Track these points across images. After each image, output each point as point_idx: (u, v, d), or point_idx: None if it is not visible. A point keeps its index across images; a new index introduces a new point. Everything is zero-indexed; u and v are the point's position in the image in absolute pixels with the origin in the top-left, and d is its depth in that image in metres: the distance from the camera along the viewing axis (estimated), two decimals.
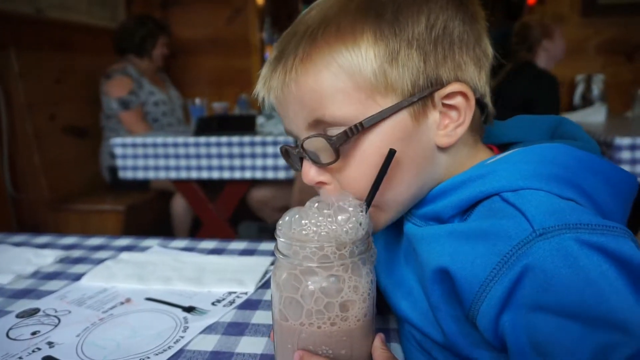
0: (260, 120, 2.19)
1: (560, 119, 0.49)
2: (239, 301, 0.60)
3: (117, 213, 2.18)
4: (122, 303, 0.60)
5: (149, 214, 2.39)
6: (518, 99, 2.07)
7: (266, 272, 0.67)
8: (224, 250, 0.77)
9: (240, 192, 2.10)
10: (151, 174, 1.99)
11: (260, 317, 0.56)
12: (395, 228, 0.48)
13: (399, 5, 0.40)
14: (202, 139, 1.94)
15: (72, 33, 2.47)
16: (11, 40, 2.08)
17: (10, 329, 0.55)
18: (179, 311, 0.58)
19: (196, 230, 2.38)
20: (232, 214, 2.13)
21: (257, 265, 0.69)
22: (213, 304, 0.59)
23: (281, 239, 0.38)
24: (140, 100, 2.34)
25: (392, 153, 0.39)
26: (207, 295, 0.62)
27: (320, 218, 0.38)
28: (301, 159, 0.45)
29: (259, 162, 1.93)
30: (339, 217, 0.38)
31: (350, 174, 0.42)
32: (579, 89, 2.88)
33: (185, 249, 0.79)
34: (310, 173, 0.44)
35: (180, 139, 1.94)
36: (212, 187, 2.20)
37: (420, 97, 0.40)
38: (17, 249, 0.79)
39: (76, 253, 0.78)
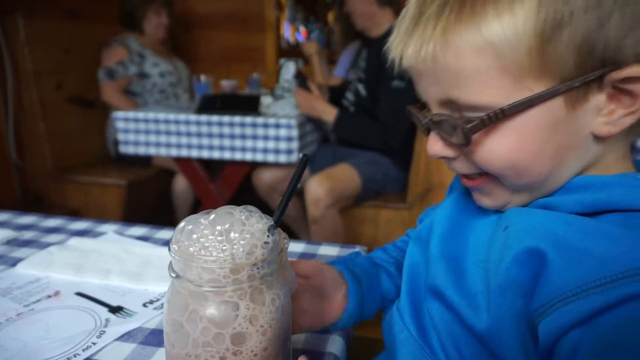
0: (267, 100, 2.12)
1: None
2: None
3: (118, 187, 2.16)
4: (49, 296, 0.56)
5: (151, 190, 2.37)
6: None
7: None
8: None
9: (241, 174, 2.05)
10: (152, 150, 1.96)
11: None
12: (471, 197, 0.43)
13: None
14: (204, 118, 1.89)
15: (82, 1, 2.43)
16: (19, 6, 2.06)
17: None
18: (104, 311, 0.53)
19: (197, 210, 2.35)
20: (237, 198, 2.09)
21: None
22: (144, 305, 0.54)
23: (171, 253, 0.32)
24: (128, 74, 2.28)
25: (304, 160, 0.32)
26: (142, 293, 0.57)
27: (210, 236, 0.31)
28: (428, 129, 0.40)
29: (260, 144, 1.87)
30: (234, 235, 0.31)
31: (483, 155, 0.37)
32: None
33: (142, 237, 0.74)
34: (436, 147, 0.39)
35: (182, 116, 1.90)
36: (214, 167, 2.16)
37: (585, 81, 0.33)
38: None
39: (27, 234, 0.74)
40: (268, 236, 0.32)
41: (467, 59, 0.34)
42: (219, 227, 0.31)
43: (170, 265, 0.33)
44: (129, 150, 1.97)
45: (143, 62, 2.31)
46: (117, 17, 2.37)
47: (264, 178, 1.93)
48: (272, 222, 0.32)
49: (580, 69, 0.32)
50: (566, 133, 0.35)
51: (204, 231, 0.31)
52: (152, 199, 2.37)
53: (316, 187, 1.75)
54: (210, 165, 2.12)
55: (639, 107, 0.33)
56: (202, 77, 2.17)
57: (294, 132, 1.84)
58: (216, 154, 1.91)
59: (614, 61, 0.32)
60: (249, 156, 1.89)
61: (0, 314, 0.52)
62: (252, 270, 0.31)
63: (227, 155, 1.90)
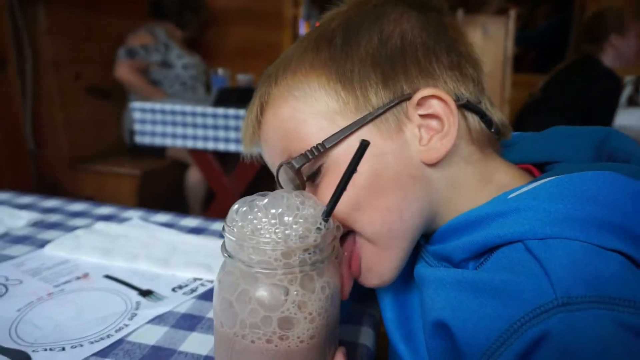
0: None
1: (608, 131, 0.41)
2: (201, 290, 0.54)
3: (132, 177, 2.17)
4: (78, 278, 0.56)
5: (164, 182, 2.38)
6: (572, 96, 1.84)
7: None
8: (204, 230, 0.72)
9: (255, 167, 2.05)
10: (168, 141, 1.97)
11: None
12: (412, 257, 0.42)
13: (348, 29, 0.39)
14: (221, 110, 1.89)
15: None
16: None
17: None
18: (134, 294, 0.53)
19: (209, 204, 2.36)
20: (251, 190, 2.09)
21: None
22: (173, 289, 0.54)
23: (225, 233, 0.32)
24: (151, 59, 2.30)
25: (364, 145, 0.32)
26: (170, 279, 0.57)
27: (264, 218, 0.31)
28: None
29: None
30: (288, 219, 0.31)
31: (325, 198, 0.36)
32: (627, 91, 2.67)
33: (166, 224, 0.74)
34: None
35: (199, 108, 1.90)
36: (228, 160, 2.16)
37: (385, 110, 0.37)
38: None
39: (53, 217, 0.74)
40: (321, 223, 0.31)
41: (285, 115, 0.40)
42: (273, 210, 0.31)
43: (224, 245, 0.32)
44: (145, 140, 1.98)
45: (168, 52, 2.33)
46: (154, 9, 2.41)
47: None
48: (327, 209, 0.32)
49: (378, 103, 0.37)
50: (394, 164, 0.37)
51: (258, 213, 0.31)
52: (165, 190, 2.38)
53: None
54: (224, 160, 2.12)
55: (450, 127, 0.36)
56: (220, 71, 2.17)
57: None
58: (232, 147, 1.91)
59: (405, 93, 0.37)
60: None
61: (31, 293, 0.52)
62: (304, 255, 0.30)
63: (242, 148, 1.90)
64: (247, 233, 0.31)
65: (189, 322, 0.48)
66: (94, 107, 2.37)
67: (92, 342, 0.43)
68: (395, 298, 0.45)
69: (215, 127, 1.92)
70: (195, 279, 0.57)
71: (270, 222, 0.31)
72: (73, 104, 2.22)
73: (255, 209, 0.31)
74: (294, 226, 0.30)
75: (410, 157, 0.37)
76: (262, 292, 0.30)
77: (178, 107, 1.92)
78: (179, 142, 1.96)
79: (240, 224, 0.31)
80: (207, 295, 0.53)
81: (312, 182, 0.39)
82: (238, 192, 2.10)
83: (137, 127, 1.97)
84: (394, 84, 0.37)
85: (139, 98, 2.27)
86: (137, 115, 1.96)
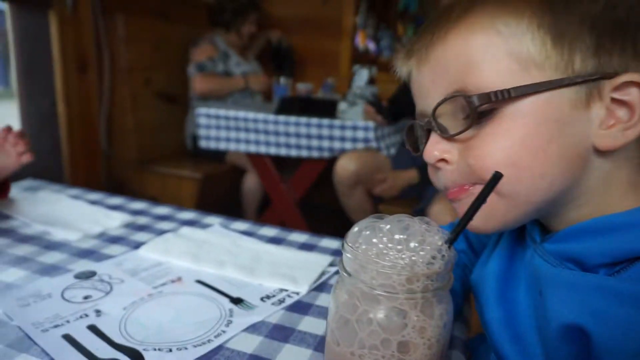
0: (342, 106, 2.15)
1: None
2: (289, 301, 0.56)
3: (194, 180, 2.25)
4: (172, 281, 0.59)
5: (222, 186, 2.45)
6: None
7: (323, 273, 0.62)
8: (283, 241, 0.74)
9: (314, 173, 2.08)
10: (231, 146, 2.04)
11: (308, 324, 0.51)
12: (519, 245, 0.42)
13: None
14: (282, 118, 1.94)
15: (172, 3, 2.56)
16: (120, 6, 2.20)
17: (66, 288, 0.55)
18: (226, 301, 0.55)
19: (264, 209, 2.40)
20: (307, 198, 2.13)
21: (315, 263, 0.65)
22: (262, 299, 0.56)
23: (347, 254, 0.33)
24: (218, 70, 2.39)
25: (497, 177, 0.32)
26: (257, 288, 0.58)
27: (389, 243, 0.32)
28: (428, 132, 0.40)
29: (337, 144, 1.90)
30: (414, 244, 0.31)
31: (484, 148, 0.36)
32: None
33: (246, 232, 0.76)
34: (435, 148, 0.39)
35: (262, 115, 1.96)
36: (285, 168, 2.20)
37: (585, 80, 0.34)
38: (90, 207, 0.81)
39: (142, 220, 0.78)
40: (445, 249, 0.32)
41: (478, 43, 0.35)
42: (398, 236, 0.32)
43: (342, 262, 0.33)
44: (210, 145, 2.06)
45: (228, 61, 2.41)
46: (209, 16, 2.49)
47: (350, 169, 1.90)
48: (451, 236, 0.32)
49: (581, 69, 0.34)
50: (569, 136, 0.35)
51: (383, 238, 0.32)
52: (223, 193, 2.45)
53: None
54: (282, 167, 2.16)
55: (638, 121, 0.33)
56: (282, 80, 2.22)
57: (371, 134, 1.86)
58: (293, 152, 1.96)
59: (611, 70, 0.34)
60: (326, 154, 1.93)
61: (133, 292, 0.55)
62: (427, 281, 0.31)
63: (303, 153, 1.95)
64: (372, 256, 0.31)
65: (281, 333, 0.49)
66: (160, 112, 2.48)
67: (195, 346, 0.46)
68: (501, 296, 0.43)
69: (277, 133, 1.96)
70: (281, 290, 0.58)
71: (396, 247, 0.31)
72: (142, 108, 2.34)
73: (380, 234, 0.32)
74: (421, 252, 0.31)
75: (586, 136, 0.35)
76: (384, 315, 0.31)
77: (241, 114, 1.98)
78: (241, 147, 2.03)
79: (364, 246, 0.32)
80: (295, 307, 0.54)
81: (474, 123, 0.36)
82: (295, 197, 2.14)
83: (202, 132, 2.05)
84: (604, 56, 0.34)
85: (202, 104, 2.37)
86: (202, 120, 2.05)
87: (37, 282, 0.56)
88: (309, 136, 1.93)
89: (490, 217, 0.37)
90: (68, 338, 0.46)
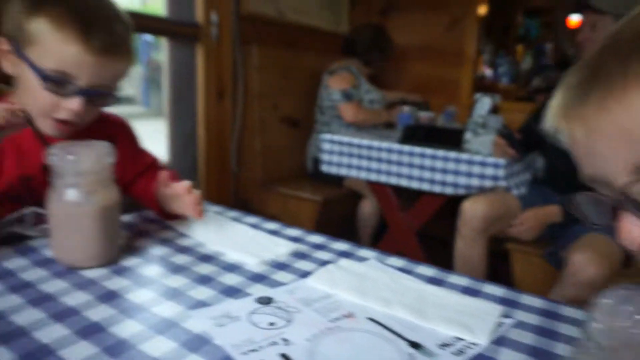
0: (467, 135, 2.08)
1: None
2: (469, 353, 0.53)
3: (314, 203, 2.32)
4: (345, 316, 0.60)
5: (338, 210, 2.50)
6: None
7: (499, 324, 0.59)
8: (443, 282, 0.72)
9: (434, 206, 2.03)
10: (352, 172, 2.07)
11: None
12: None
13: None
14: (407, 148, 1.93)
15: (301, 33, 2.71)
16: (255, 37, 2.39)
17: (252, 312, 0.59)
18: (403, 344, 0.54)
19: (379, 236, 2.39)
20: (426, 229, 2.09)
21: (485, 312, 0.62)
22: (441, 347, 0.54)
23: (598, 324, 0.30)
24: (359, 96, 2.46)
25: None
26: (432, 333, 0.57)
27: None
28: (614, 210, 0.35)
29: (462, 180, 1.83)
30: None
31: None
32: None
33: (402, 269, 0.76)
34: (633, 231, 0.33)
35: (385, 144, 1.97)
36: (405, 197, 2.18)
37: None
38: (254, 231, 0.86)
39: (302, 248, 0.82)
40: None
41: None
42: None
43: (593, 334, 0.31)
44: (331, 170, 2.12)
45: (359, 88, 2.48)
46: (346, 46, 2.61)
47: (478, 214, 1.78)
48: None
49: None
50: None
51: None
52: (340, 217, 2.49)
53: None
54: (401, 195, 2.14)
55: None
56: (405, 108, 2.22)
57: (501, 172, 1.76)
58: (414, 184, 1.93)
59: None
60: (449, 190, 1.86)
61: (313, 324, 0.57)
62: None
63: (425, 186, 1.90)
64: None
65: None
66: (284, 136, 2.62)
67: None
68: None
69: (400, 164, 1.95)
70: (457, 339, 0.56)
71: None
72: (269, 131, 2.50)
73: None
74: None
75: None
76: None
77: (365, 142, 2.01)
78: (361, 175, 2.05)
79: (626, 323, 0.30)
80: None
81: None
82: (412, 229, 2.10)
83: (325, 156, 2.12)
84: None
85: (327, 128, 2.45)
86: (325, 146, 2.11)
87: (225, 303, 0.61)
88: (432, 169, 1.88)
89: None
90: None
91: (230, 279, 0.68)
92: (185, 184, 0.80)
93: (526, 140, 1.84)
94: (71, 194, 0.65)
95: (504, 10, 4.94)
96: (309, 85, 2.69)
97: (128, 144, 0.93)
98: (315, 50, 2.80)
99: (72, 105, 0.73)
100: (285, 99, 2.60)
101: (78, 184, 0.65)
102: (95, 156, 0.65)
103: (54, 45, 0.70)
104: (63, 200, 0.65)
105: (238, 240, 0.81)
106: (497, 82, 4.76)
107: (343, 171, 2.09)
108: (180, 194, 0.80)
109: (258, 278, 0.69)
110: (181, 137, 2.27)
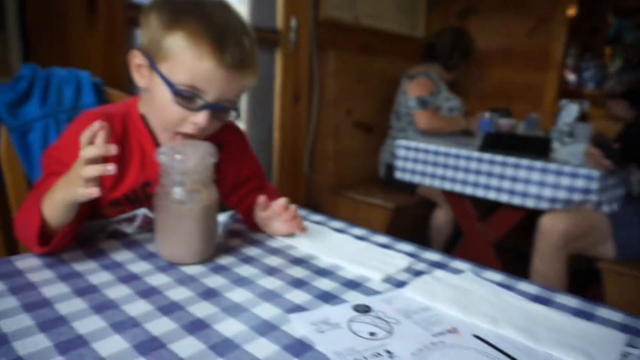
0: (554, 144, 1.95)
1: None
2: None
3: (386, 210, 2.29)
4: (448, 331, 0.57)
5: (410, 217, 2.44)
6: None
7: (625, 355, 0.53)
8: (549, 302, 0.66)
9: (514, 219, 1.92)
10: (426, 180, 2.02)
11: None
12: None
13: None
14: (487, 156, 1.84)
15: (376, 38, 2.69)
16: (332, 43, 2.40)
17: (350, 320, 0.57)
18: None
19: (452, 245, 2.31)
20: (505, 241, 1.99)
21: (607, 339, 0.56)
22: None
23: None
24: (436, 104, 2.40)
25: None
26: (545, 357, 0.53)
27: None
28: None
29: (547, 192, 1.71)
30: None
31: None
32: None
33: (502, 284, 0.71)
34: None
35: (464, 152, 1.89)
36: (481, 205, 2.09)
37: None
38: (363, 243, 0.83)
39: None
40: None
41: None
42: None
43: None
44: (405, 177, 2.07)
45: (438, 95, 2.42)
46: (426, 51, 2.55)
47: (558, 229, 1.67)
48: None
49: None
50: None
51: None
52: (412, 225, 2.44)
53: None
54: (477, 203, 2.05)
55: None
56: (487, 114, 2.13)
57: (594, 185, 1.62)
58: (492, 195, 1.83)
59: None
60: (530, 202, 1.75)
61: (415, 337, 0.55)
62: None
63: (503, 197, 1.81)
64: None
65: None
66: (357, 141, 2.61)
67: None
68: None
69: (478, 172, 1.87)
70: None
71: None
72: (342, 136, 2.50)
73: None
74: None
75: None
76: None
77: (442, 149, 1.95)
78: (436, 183, 1.98)
79: None
80: None
81: None
82: (489, 241, 2.00)
83: (399, 163, 2.08)
84: None
85: (402, 134, 2.41)
86: (400, 152, 2.07)
87: (322, 309, 0.60)
88: (514, 179, 1.78)
89: None
90: None
91: (325, 284, 0.67)
92: (281, 202, 0.79)
93: (625, 150, 1.68)
94: (177, 192, 0.67)
95: (592, 11, 4.61)
96: (383, 91, 2.67)
97: (235, 151, 0.91)
98: (390, 55, 2.77)
99: (198, 119, 0.73)
100: (359, 104, 2.59)
101: (183, 182, 0.67)
102: (200, 156, 0.67)
103: (189, 60, 0.69)
104: (169, 198, 0.67)
105: (350, 252, 0.78)
106: (582, 88, 4.44)
107: (417, 179, 2.04)
108: (278, 213, 0.80)
109: (352, 284, 0.68)
110: (257, 141, 2.33)
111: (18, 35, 1.20)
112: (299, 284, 0.67)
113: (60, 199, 0.64)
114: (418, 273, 0.73)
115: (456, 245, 2.21)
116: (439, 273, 0.72)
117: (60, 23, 1.35)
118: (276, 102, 2.27)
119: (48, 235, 0.67)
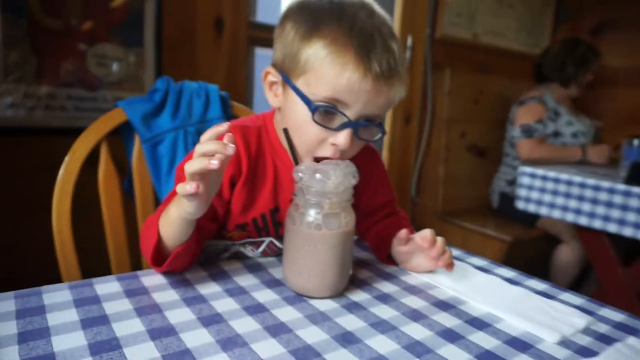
0: None
1: None
2: None
3: (501, 242, 2.07)
4: None
5: (528, 252, 2.18)
6: None
7: None
8: None
9: None
10: (554, 213, 1.77)
11: None
12: None
13: None
14: (637, 190, 1.57)
15: (495, 56, 2.50)
16: (447, 62, 2.26)
17: None
18: None
19: (577, 288, 2.01)
20: None
21: None
22: None
23: None
24: (547, 132, 2.14)
25: None
26: None
27: None
28: None
29: None
30: None
31: None
32: None
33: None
34: None
35: (605, 184, 1.63)
36: (616, 246, 1.79)
37: None
38: (519, 290, 0.70)
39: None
40: None
41: None
42: None
43: None
44: (528, 207, 1.84)
45: (558, 120, 2.16)
46: (537, 70, 2.31)
47: None
48: None
49: None
50: None
51: None
52: (529, 261, 2.17)
53: None
54: (616, 242, 1.76)
55: None
56: (635, 141, 1.84)
57: None
58: None
59: None
60: None
61: None
62: None
63: None
64: None
65: None
66: (470, 165, 2.42)
67: None
68: None
69: (624, 208, 1.60)
70: None
71: None
72: (454, 160, 2.33)
73: None
74: None
75: None
76: None
77: (577, 179, 1.70)
78: (568, 217, 1.73)
79: None
80: None
81: None
82: (634, 289, 1.70)
83: (522, 192, 1.86)
84: None
85: (518, 163, 2.18)
86: (524, 180, 1.85)
87: None
88: None
89: None
90: None
91: (484, 340, 0.55)
92: (427, 235, 0.68)
93: None
94: (312, 215, 0.60)
95: None
96: (500, 112, 2.46)
97: (371, 175, 0.81)
98: (508, 75, 2.55)
99: (339, 140, 0.64)
100: (473, 126, 2.41)
101: (321, 204, 0.59)
102: (341, 176, 0.59)
103: (329, 71, 0.61)
104: (303, 222, 0.60)
105: (505, 299, 0.65)
106: None
107: (543, 210, 1.81)
108: (423, 248, 0.69)
109: (518, 345, 0.54)
110: None
111: (154, 51, 1.25)
112: (451, 336, 0.55)
113: (174, 213, 0.59)
114: (603, 338, 0.57)
115: (581, 288, 1.92)
116: (632, 341, 0.56)
117: (190, 41, 1.39)
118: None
119: (163, 254, 0.63)
